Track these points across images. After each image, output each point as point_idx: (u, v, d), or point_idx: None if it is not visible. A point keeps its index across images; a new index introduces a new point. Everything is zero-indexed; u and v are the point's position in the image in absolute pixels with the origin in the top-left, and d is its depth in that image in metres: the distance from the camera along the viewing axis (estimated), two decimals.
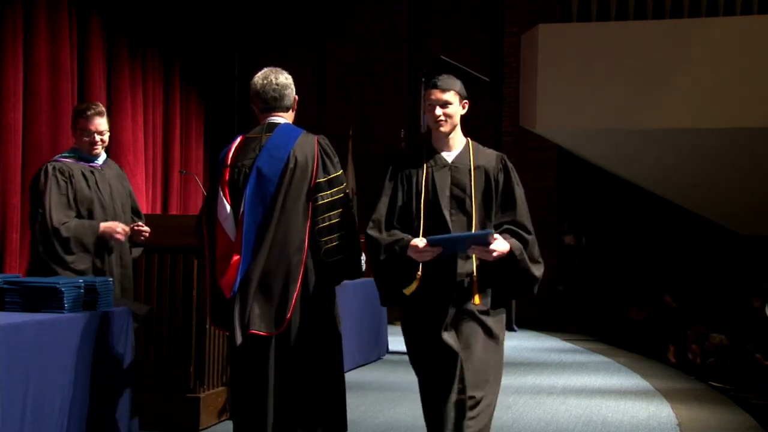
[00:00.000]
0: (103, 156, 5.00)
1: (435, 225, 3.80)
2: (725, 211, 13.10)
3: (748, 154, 11.68)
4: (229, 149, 3.98)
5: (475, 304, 3.78)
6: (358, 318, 8.26)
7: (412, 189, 3.87)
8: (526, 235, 3.87)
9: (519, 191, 3.99)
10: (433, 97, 3.90)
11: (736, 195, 12.50)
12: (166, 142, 11.30)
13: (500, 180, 3.96)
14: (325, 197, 3.90)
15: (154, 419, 5.19)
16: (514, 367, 8.69)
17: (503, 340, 3.88)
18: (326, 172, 3.93)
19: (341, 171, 4.01)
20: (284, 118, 4.03)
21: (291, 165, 3.88)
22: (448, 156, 3.94)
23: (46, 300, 3.85)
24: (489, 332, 3.80)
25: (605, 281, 13.47)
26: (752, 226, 13.20)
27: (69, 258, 4.63)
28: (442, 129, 3.91)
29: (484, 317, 3.80)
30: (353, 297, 7.97)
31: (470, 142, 4.03)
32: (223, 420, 5.57)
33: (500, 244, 3.71)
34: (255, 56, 13.33)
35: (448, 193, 3.85)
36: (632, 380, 8.18)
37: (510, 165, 4.03)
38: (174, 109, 11.45)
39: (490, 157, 4.00)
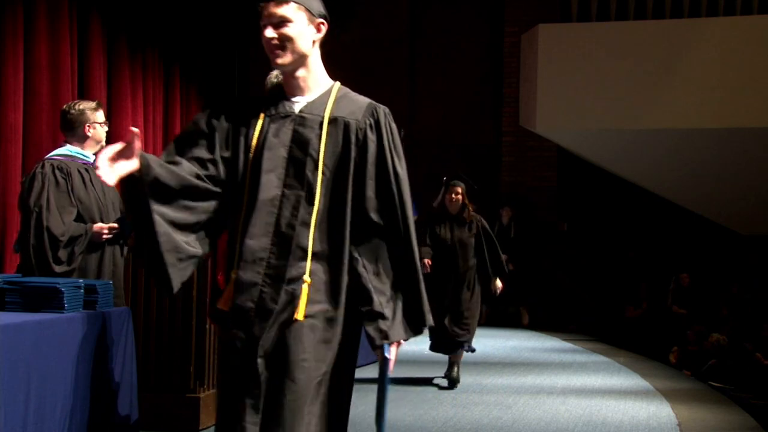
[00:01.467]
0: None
1: (257, 197, 2.68)
2: (725, 211, 13.10)
3: (748, 154, 11.69)
4: None
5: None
6: None
7: (239, 143, 2.73)
8: (404, 263, 2.71)
9: (400, 167, 2.76)
10: (265, 13, 2.72)
11: (736, 195, 12.50)
12: (166, 142, 11.29)
13: (369, 143, 2.71)
14: None
15: (154, 419, 5.19)
16: (514, 367, 8.70)
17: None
18: None
19: None
20: None
21: None
22: (298, 102, 2.76)
23: (46, 300, 3.85)
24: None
25: (604, 281, 13.48)
26: (752, 226, 13.20)
27: (56, 267, 4.65)
28: (279, 60, 2.70)
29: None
30: None
31: (337, 86, 2.82)
32: None
33: (393, 350, 2.67)
34: (255, 56, 13.34)
35: (284, 154, 2.68)
36: (632, 380, 8.18)
37: (389, 122, 2.77)
38: (174, 109, 11.45)
39: (357, 106, 2.76)
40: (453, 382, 7.34)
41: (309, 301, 2.64)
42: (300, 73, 2.75)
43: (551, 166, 13.58)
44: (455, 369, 7.41)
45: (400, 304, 2.67)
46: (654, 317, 12.24)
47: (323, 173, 2.66)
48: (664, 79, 11.41)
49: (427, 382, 7.53)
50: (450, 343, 7.34)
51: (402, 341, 2.67)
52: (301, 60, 2.74)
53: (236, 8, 13.58)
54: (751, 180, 12.15)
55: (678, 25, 11.85)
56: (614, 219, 13.94)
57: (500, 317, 12.81)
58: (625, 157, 12.57)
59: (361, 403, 6.56)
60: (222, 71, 13.04)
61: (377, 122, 2.73)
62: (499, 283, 7.49)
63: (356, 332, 2.75)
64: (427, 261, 7.30)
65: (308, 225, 2.64)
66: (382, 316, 2.63)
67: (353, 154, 2.69)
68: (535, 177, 13.50)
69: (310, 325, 2.63)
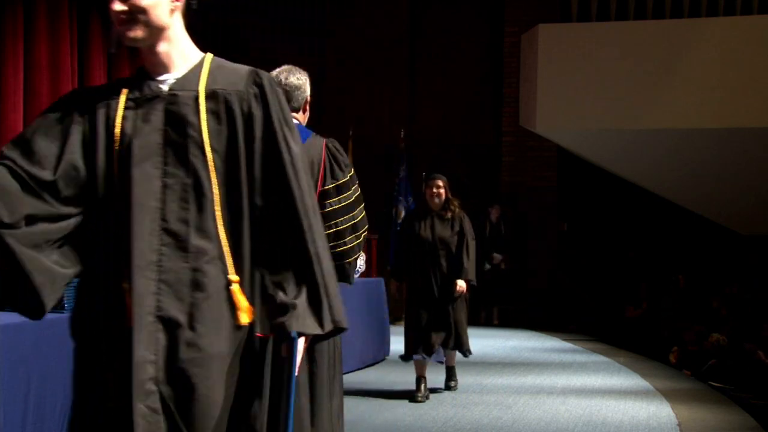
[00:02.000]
0: None
1: (131, 192, 2.23)
2: (725, 211, 13.11)
3: (748, 154, 11.70)
4: None
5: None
6: (366, 318, 8.27)
7: (97, 134, 2.28)
8: (305, 251, 2.28)
9: (293, 140, 2.33)
10: None
11: (736, 195, 12.51)
12: None
13: (255, 115, 2.31)
14: (333, 204, 3.87)
15: None
16: (514, 367, 8.70)
17: None
18: (334, 177, 3.89)
19: (351, 173, 3.96)
20: (295, 119, 4.01)
21: None
22: (165, 81, 2.33)
23: None
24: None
25: (604, 281, 13.49)
26: (752, 226, 13.21)
27: None
28: (131, 35, 2.26)
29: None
30: (359, 297, 7.97)
31: (210, 57, 2.38)
32: None
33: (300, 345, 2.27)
34: (254, 56, 13.34)
35: (158, 140, 2.26)
36: (632, 380, 8.18)
37: (275, 89, 2.36)
38: None
39: (237, 75, 2.36)
40: (452, 389, 7.19)
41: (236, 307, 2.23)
42: (162, 47, 2.29)
43: (551, 166, 13.58)
44: (453, 379, 7.21)
45: (303, 296, 2.27)
46: (654, 317, 12.24)
47: (212, 156, 2.26)
48: (664, 79, 11.42)
49: (391, 409, 6.69)
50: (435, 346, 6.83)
51: (309, 335, 2.27)
52: (158, 33, 2.28)
53: (236, 8, 13.59)
54: (751, 180, 12.16)
55: (678, 25, 11.86)
56: (614, 219, 13.95)
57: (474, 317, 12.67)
58: (625, 157, 12.57)
59: (362, 403, 6.56)
60: None
61: (262, 90, 2.32)
62: (461, 283, 6.73)
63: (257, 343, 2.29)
64: (398, 286, 7.08)
65: (205, 216, 2.23)
66: (284, 307, 2.24)
67: (241, 130, 2.28)
68: (535, 177, 13.51)
69: (218, 355, 2.20)
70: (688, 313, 11.83)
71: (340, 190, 3.90)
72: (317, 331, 2.25)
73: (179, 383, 2.16)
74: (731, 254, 13.53)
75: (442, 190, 6.78)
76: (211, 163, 2.25)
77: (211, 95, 2.29)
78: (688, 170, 12.38)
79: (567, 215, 13.80)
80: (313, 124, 4.17)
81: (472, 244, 6.83)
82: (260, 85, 2.33)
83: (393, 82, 13.83)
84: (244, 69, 2.37)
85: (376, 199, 9.09)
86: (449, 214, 6.80)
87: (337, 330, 2.31)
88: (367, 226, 4.03)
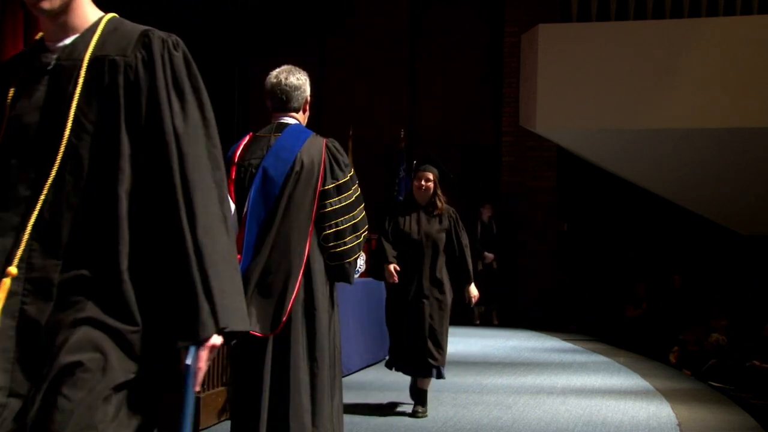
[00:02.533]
0: None
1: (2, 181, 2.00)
2: (725, 211, 13.11)
3: (748, 154, 11.70)
4: (238, 146, 3.98)
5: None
6: (366, 318, 8.26)
7: None
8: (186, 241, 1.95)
9: (181, 118, 2.01)
10: None
11: (736, 195, 12.52)
12: None
13: (142, 85, 1.99)
14: (333, 204, 3.88)
15: None
16: (514, 367, 8.70)
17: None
18: (334, 177, 3.90)
19: (351, 173, 3.96)
20: (295, 119, 4.01)
21: (297, 168, 3.86)
22: (57, 50, 2.04)
23: None
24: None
25: (604, 281, 13.49)
26: (752, 226, 13.21)
27: None
28: (48, 6, 2.00)
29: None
30: (359, 297, 7.97)
31: (106, 18, 2.08)
32: (223, 420, 5.57)
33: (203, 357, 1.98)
34: (255, 56, 13.34)
35: (35, 119, 2.00)
36: (632, 380, 8.18)
37: (167, 53, 2.03)
38: None
39: (128, 38, 2.04)
40: (418, 416, 6.07)
41: (77, 310, 1.90)
42: (63, 16, 2.03)
43: (551, 166, 13.58)
44: (423, 404, 6.14)
45: (179, 304, 1.97)
46: (654, 317, 12.25)
47: (86, 133, 1.94)
48: (664, 79, 11.43)
49: (389, 410, 6.36)
50: (415, 363, 6.07)
51: (211, 341, 1.98)
52: (70, 2, 2.02)
53: (237, 8, 13.59)
54: (751, 180, 12.16)
55: (678, 25, 11.86)
56: (614, 219, 13.95)
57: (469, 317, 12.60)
58: (625, 157, 12.58)
59: (361, 404, 6.55)
60: (222, 72, 13.04)
61: (150, 53, 1.99)
62: (474, 291, 6.18)
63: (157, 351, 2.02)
64: (392, 267, 5.94)
65: (73, 207, 1.93)
66: (171, 316, 1.98)
67: (122, 103, 1.96)
68: (535, 177, 13.51)
69: (93, 359, 1.88)
70: (688, 313, 11.83)
71: (340, 190, 3.90)
72: (191, 342, 1.96)
73: (37, 395, 1.86)
74: (731, 254, 13.53)
75: (431, 184, 6.12)
76: (86, 144, 1.95)
77: (93, 64, 1.98)
78: (688, 170, 12.39)
79: (567, 215, 13.80)
80: (313, 124, 4.16)
81: (467, 243, 6.25)
82: (148, 47, 2.00)
83: (393, 82, 13.82)
84: (137, 31, 2.05)
85: (376, 200, 9.09)
86: (437, 210, 6.13)
87: (227, 336, 1.99)
88: (367, 226, 4.04)
